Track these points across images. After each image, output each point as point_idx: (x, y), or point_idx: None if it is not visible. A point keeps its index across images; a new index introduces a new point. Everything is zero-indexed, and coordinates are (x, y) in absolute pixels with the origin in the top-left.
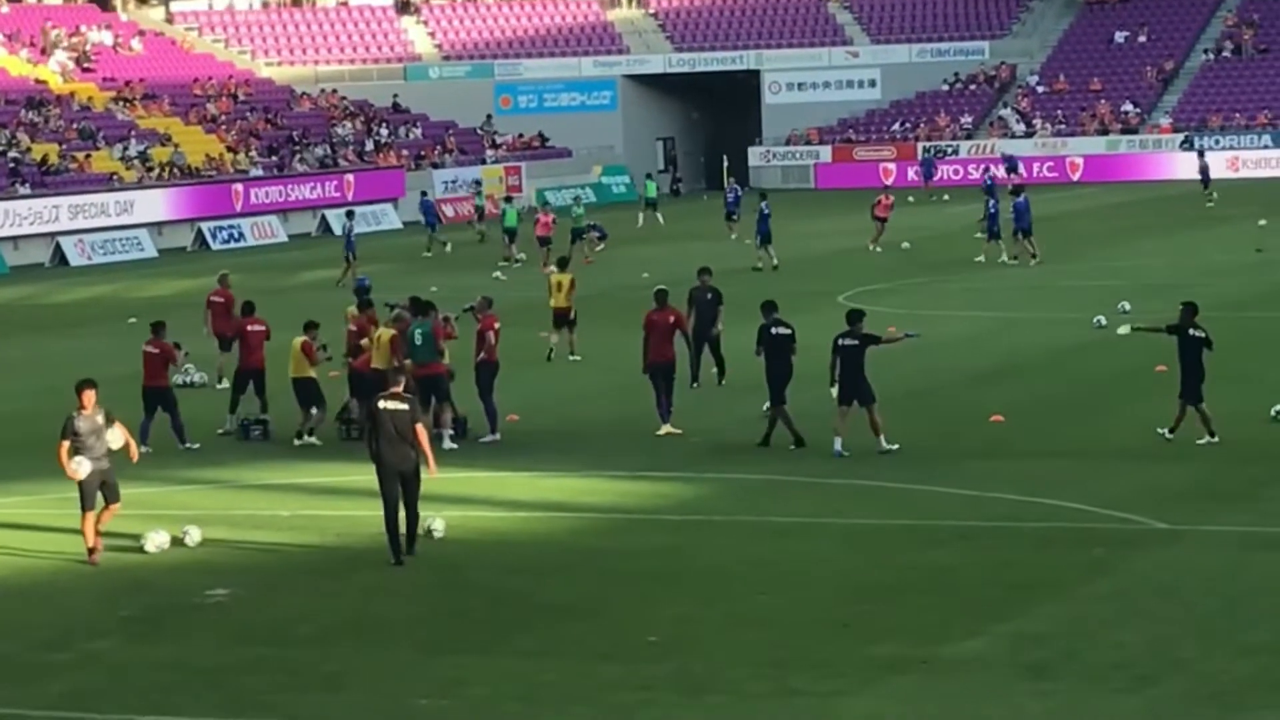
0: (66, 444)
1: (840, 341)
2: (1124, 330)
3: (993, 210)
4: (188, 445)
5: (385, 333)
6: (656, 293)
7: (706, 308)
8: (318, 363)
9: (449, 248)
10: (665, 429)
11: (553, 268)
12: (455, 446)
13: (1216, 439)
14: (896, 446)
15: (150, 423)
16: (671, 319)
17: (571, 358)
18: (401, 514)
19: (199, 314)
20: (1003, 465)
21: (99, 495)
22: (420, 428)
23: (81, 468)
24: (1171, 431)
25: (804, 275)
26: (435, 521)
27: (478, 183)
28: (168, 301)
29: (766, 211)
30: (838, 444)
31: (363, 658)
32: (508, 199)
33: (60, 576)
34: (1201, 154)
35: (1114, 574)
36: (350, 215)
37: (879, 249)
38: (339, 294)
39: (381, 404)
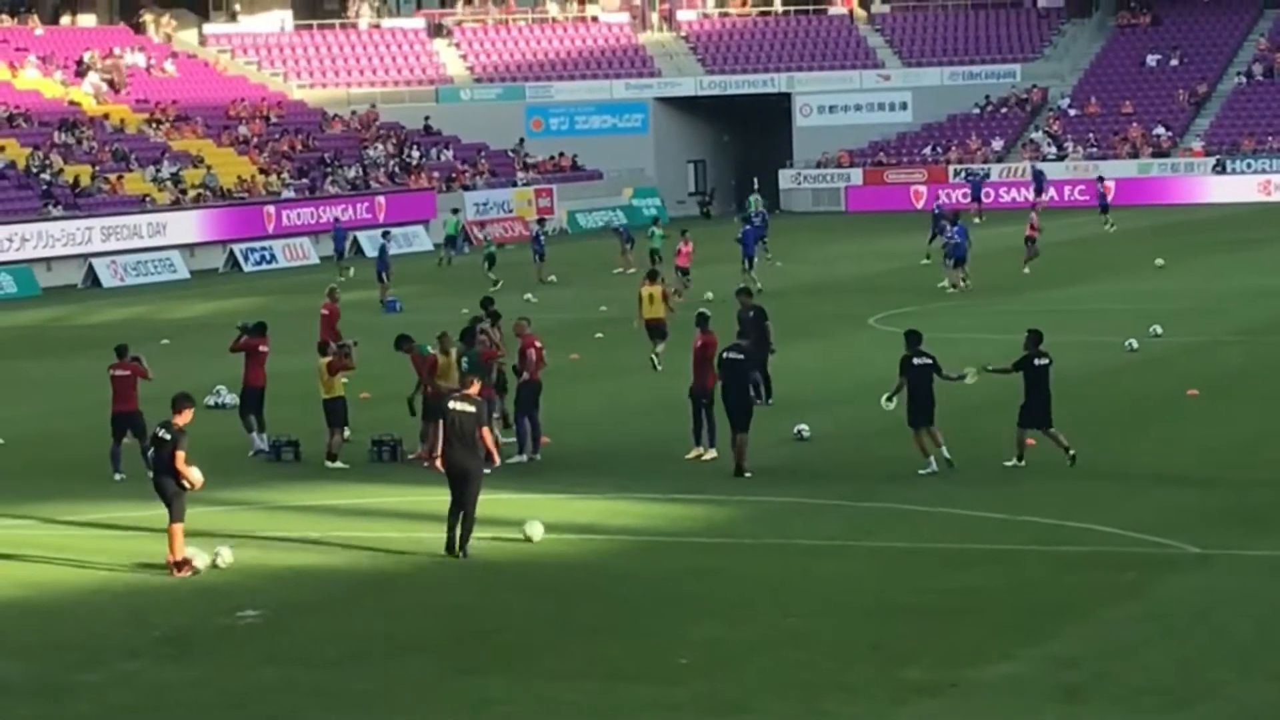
0: (182, 455)
1: (914, 361)
2: (971, 379)
3: (956, 238)
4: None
5: (447, 360)
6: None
7: (751, 327)
8: (351, 367)
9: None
10: (695, 452)
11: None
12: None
13: (1073, 452)
14: (934, 467)
15: (119, 448)
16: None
17: (657, 368)
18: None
19: (234, 334)
20: (1034, 488)
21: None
22: (485, 430)
23: (199, 475)
24: (1020, 459)
25: (836, 297)
26: (223, 550)
27: (455, 211)
28: (199, 322)
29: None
30: (932, 463)
31: (392, 679)
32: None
33: (92, 596)
34: (1101, 179)
35: (1146, 598)
36: (386, 235)
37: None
38: (374, 315)
39: (451, 404)
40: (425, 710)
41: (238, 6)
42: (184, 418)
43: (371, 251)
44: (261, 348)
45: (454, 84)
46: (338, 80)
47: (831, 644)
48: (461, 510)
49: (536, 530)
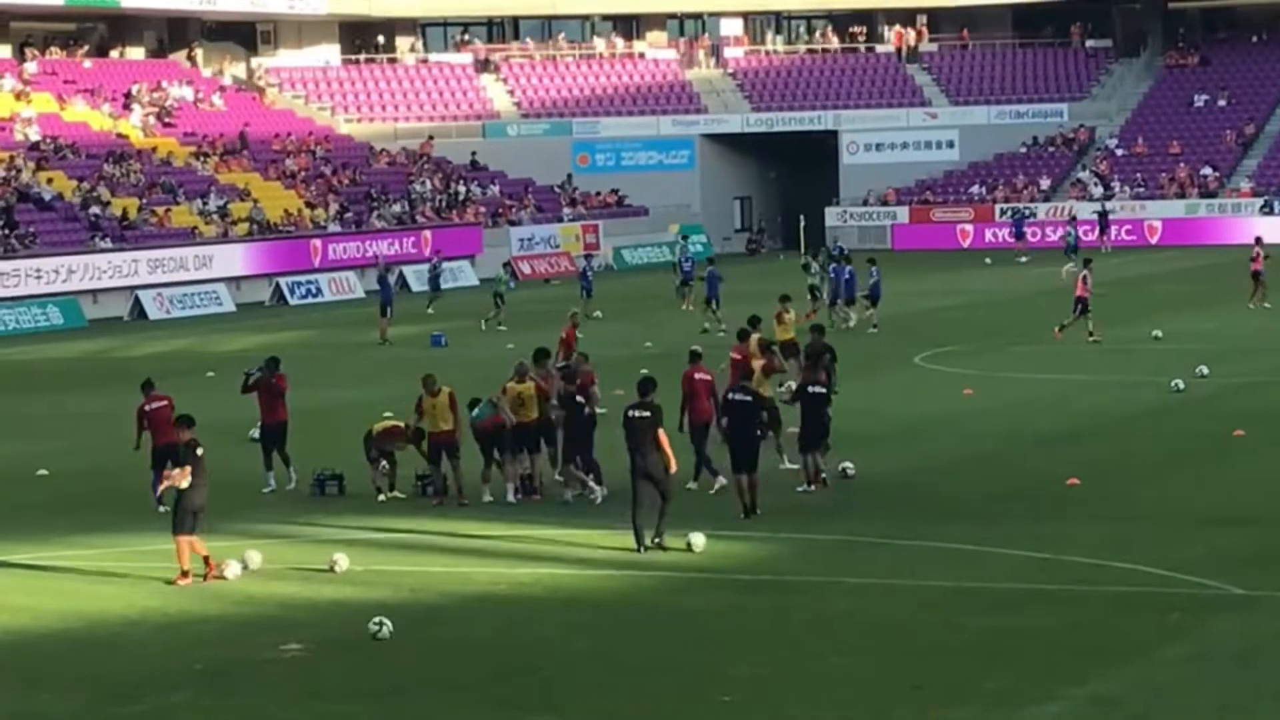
0: (189, 468)
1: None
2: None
3: (873, 277)
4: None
5: (526, 388)
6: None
7: (818, 364)
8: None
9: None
10: (716, 485)
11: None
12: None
13: (813, 489)
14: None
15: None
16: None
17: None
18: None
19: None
20: (1077, 528)
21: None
22: (662, 432)
23: (186, 482)
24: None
25: (881, 335)
26: (251, 554)
27: (506, 265)
28: (245, 355)
29: (718, 275)
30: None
31: (436, 715)
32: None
33: (134, 629)
34: (1021, 221)
35: (1189, 639)
36: (438, 255)
37: (1253, 305)
38: (422, 349)
39: (630, 413)
40: None
41: (278, 42)
42: (183, 436)
43: (418, 285)
44: (279, 384)
45: (501, 119)
46: (384, 115)
47: (874, 683)
48: (639, 509)
49: (699, 541)
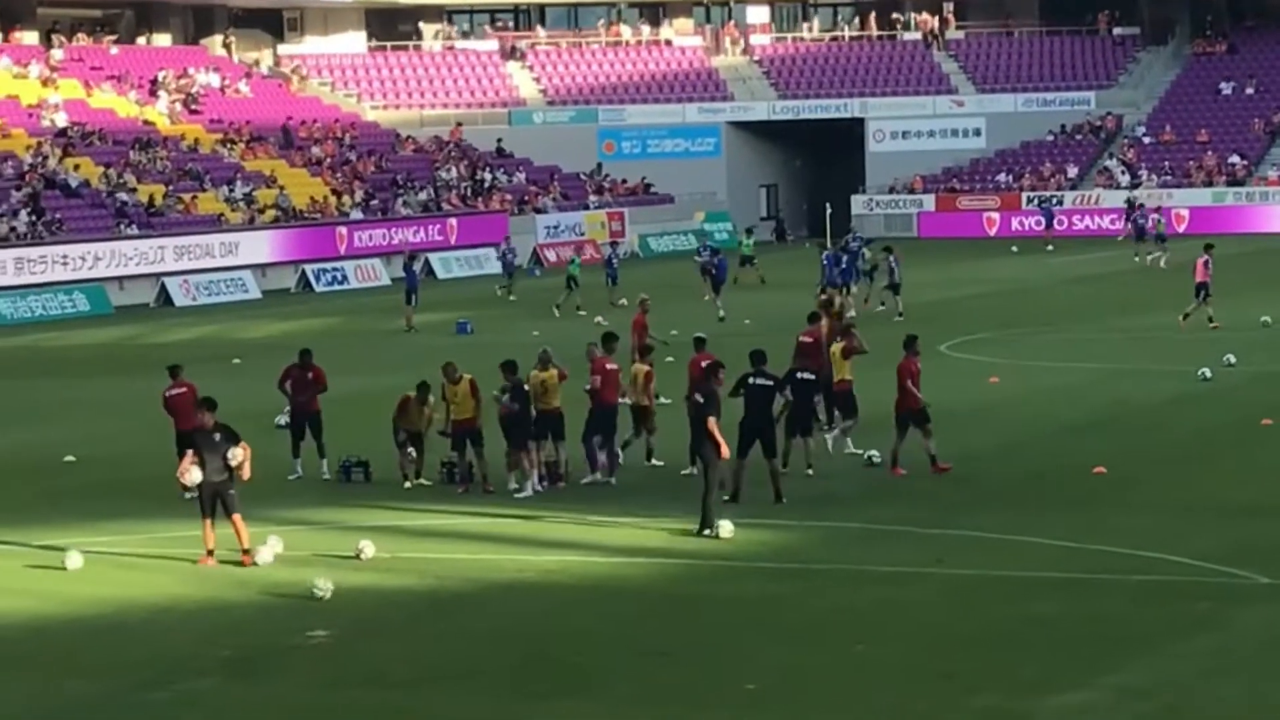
0: (191, 454)
1: (750, 381)
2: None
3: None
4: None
5: (550, 375)
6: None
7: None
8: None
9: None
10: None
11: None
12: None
13: (810, 473)
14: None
15: None
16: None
17: None
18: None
19: (322, 350)
20: (1103, 517)
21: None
22: (712, 420)
23: (193, 475)
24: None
25: (906, 323)
26: (272, 540)
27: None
28: (272, 343)
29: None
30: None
31: (460, 702)
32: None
33: (160, 615)
34: (1051, 210)
35: (1218, 628)
36: (506, 240)
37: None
38: (448, 336)
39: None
40: None
41: (305, 29)
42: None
43: (444, 273)
44: (309, 374)
45: (527, 106)
46: (411, 102)
47: (901, 671)
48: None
49: (727, 528)
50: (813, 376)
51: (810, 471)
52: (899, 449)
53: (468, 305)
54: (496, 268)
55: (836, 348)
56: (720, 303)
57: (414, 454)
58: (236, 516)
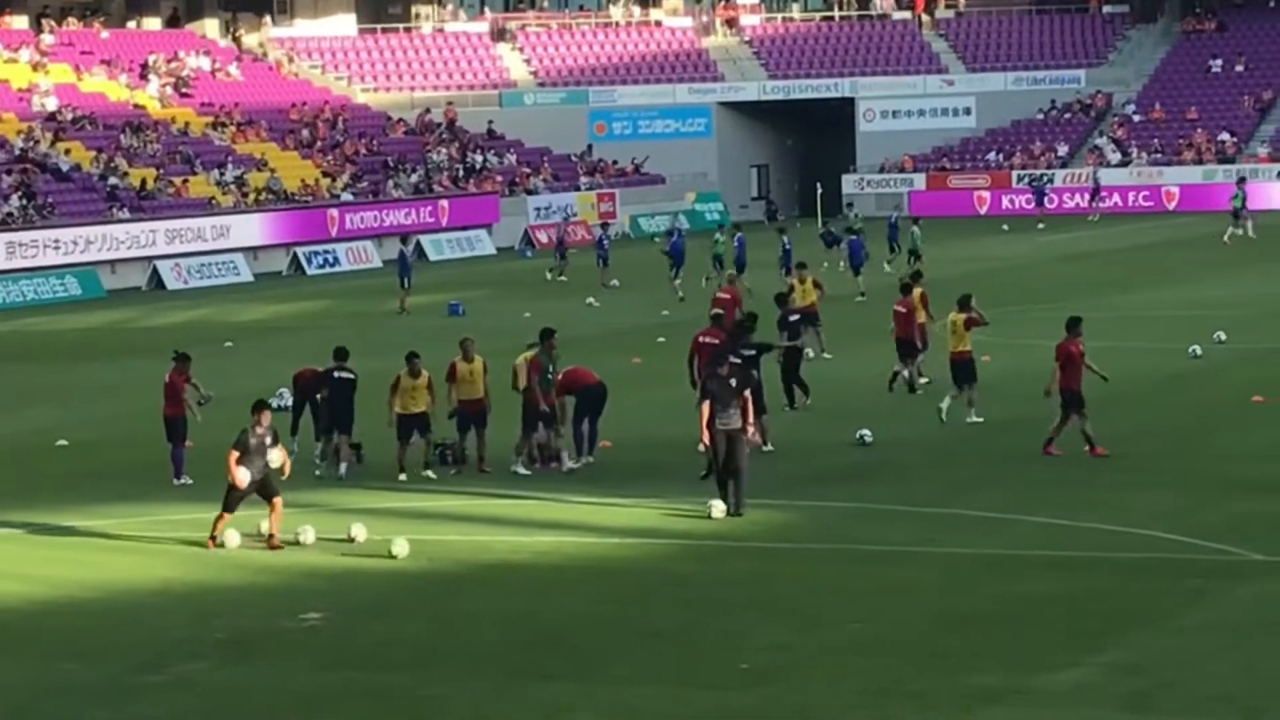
0: (236, 454)
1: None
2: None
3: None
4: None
5: (468, 366)
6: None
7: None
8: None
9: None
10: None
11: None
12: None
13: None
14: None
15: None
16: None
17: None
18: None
19: (296, 336)
20: (1097, 495)
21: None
22: (746, 396)
23: (243, 477)
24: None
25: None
26: (397, 542)
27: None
28: (263, 325)
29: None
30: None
31: (455, 684)
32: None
33: (154, 598)
34: (1042, 188)
35: (1211, 605)
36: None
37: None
38: (439, 318)
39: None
40: (489, 716)
41: (295, 11)
42: (257, 420)
43: (435, 255)
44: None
45: (517, 88)
46: (401, 84)
47: (896, 651)
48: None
49: (719, 508)
50: (754, 353)
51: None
52: (1058, 431)
53: (459, 287)
54: (488, 249)
55: (959, 318)
56: (679, 284)
57: (423, 441)
58: (278, 500)
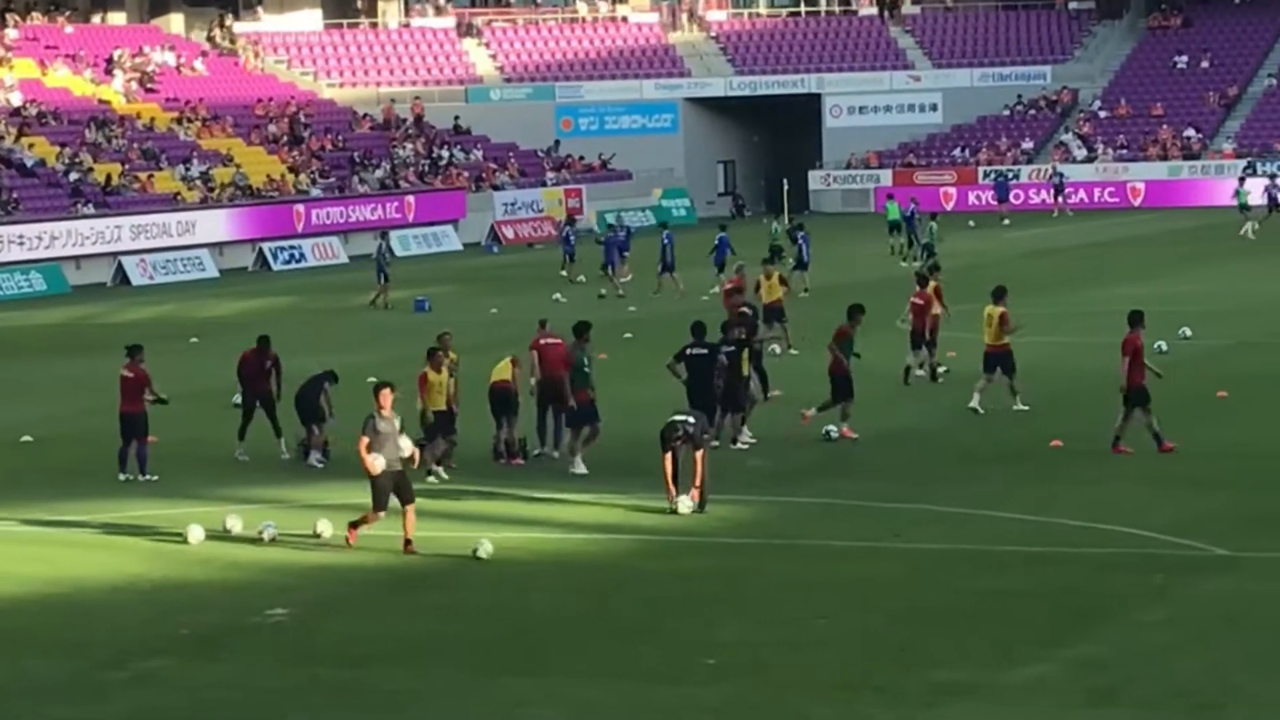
0: (366, 440)
1: (688, 351)
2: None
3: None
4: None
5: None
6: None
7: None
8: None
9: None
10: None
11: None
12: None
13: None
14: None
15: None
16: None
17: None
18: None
19: (262, 332)
20: (1062, 490)
21: (392, 496)
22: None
23: (377, 463)
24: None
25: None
26: (483, 544)
27: (795, 224)
28: (229, 321)
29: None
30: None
31: (421, 679)
32: (571, 222)
33: (117, 595)
34: (1005, 183)
35: (1174, 601)
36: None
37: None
38: (404, 314)
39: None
40: (456, 711)
41: (261, 7)
42: (380, 400)
43: (402, 251)
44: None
45: (484, 84)
46: (367, 80)
47: (860, 645)
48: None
49: (686, 504)
50: (733, 348)
51: (735, 446)
52: (1123, 428)
53: (425, 283)
54: (455, 244)
55: (996, 311)
56: (624, 281)
57: (455, 440)
58: (411, 507)
